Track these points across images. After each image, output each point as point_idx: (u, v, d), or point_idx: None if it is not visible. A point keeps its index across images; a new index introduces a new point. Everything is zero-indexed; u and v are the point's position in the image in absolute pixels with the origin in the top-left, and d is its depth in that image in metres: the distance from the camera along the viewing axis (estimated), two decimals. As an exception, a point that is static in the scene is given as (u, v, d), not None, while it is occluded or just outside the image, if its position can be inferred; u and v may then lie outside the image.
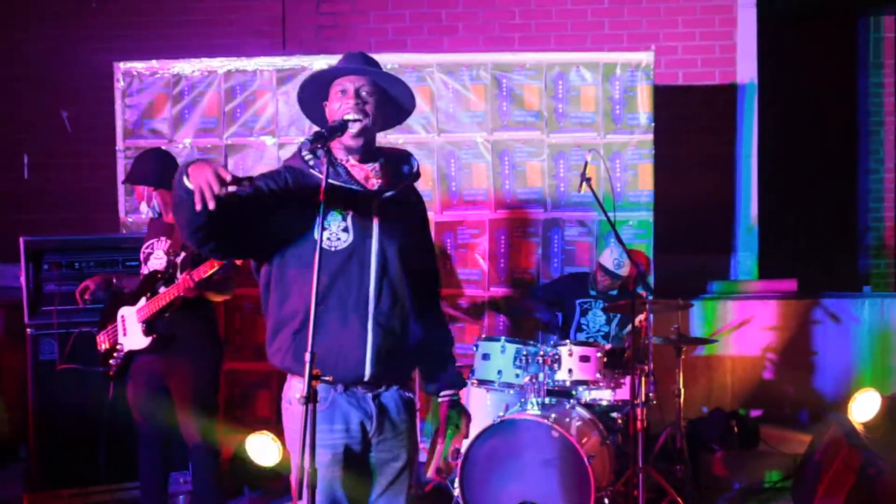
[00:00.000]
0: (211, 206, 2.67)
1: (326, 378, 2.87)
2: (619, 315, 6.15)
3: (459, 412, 3.32)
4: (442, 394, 3.31)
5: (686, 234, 7.85)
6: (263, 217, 3.00)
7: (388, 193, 3.14)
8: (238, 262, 4.43)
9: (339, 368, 3.01)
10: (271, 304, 3.13)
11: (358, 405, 3.09)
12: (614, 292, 6.14)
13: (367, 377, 3.05)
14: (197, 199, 2.67)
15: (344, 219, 3.06)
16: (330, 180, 3.01)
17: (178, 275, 4.66)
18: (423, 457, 3.79)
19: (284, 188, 3.05)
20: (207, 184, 2.66)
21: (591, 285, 6.18)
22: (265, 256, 3.11)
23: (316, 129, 3.06)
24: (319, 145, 2.92)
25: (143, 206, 4.92)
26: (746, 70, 7.96)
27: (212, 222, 2.81)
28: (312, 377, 2.73)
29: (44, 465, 5.46)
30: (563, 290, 6.31)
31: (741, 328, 7.49)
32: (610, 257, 5.98)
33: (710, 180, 8.02)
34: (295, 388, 3.12)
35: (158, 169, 4.88)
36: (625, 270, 5.96)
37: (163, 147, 5.69)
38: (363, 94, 3.10)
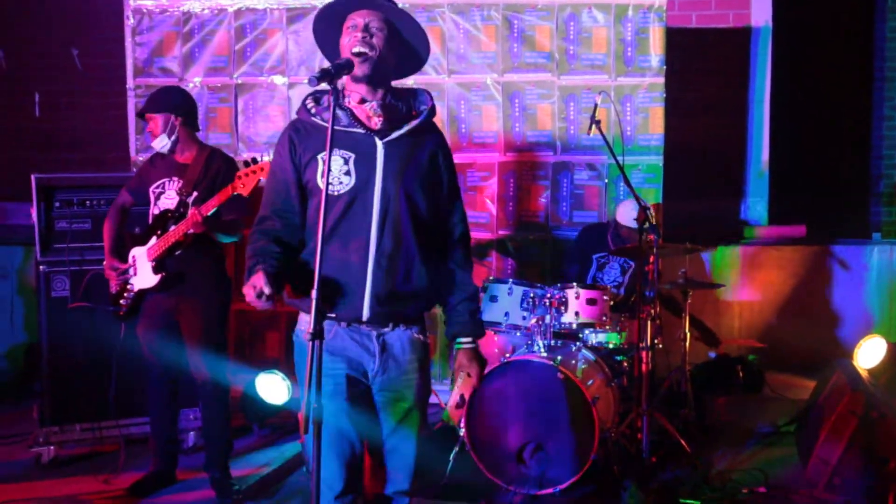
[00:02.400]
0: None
1: (331, 315, 2.92)
2: (633, 266, 6.14)
3: (472, 359, 3.30)
4: (457, 341, 3.31)
5: (696, 179, 7.82)
6: (299, 185, 3.14)
7: (396, 134, 3.13)
8: (245, 194, 4.43)
9: (339, 307, 3.06)
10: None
11: (361, 342, 3.13)
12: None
13: (364, 317, 3.08)
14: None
15: (346, 162, 3.07)
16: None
17: (189, 214, 4.68)
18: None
19: (294, 152, 3.13)
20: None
21: (613, 240, 6.12)
22: None
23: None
24: (327, 82, 2.90)
25: (160, 140, 4.85)
26: (761, 13, 7.87)
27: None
28: (319, 312, 2.74)
29: (56, 401, 5.53)
30: (580, 244, 6.31)
31: (750, 274, 7.49)
32: (629, 216, 5.87)
33: (721, 125, 7.98)
34: (302, 322, 3.21)
35: (182, 101, 4.90)
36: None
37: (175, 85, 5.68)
38: (372, 28, 3.09)
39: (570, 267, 6.28)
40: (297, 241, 3.15)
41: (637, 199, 5.31)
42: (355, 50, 3.04)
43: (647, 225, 5.18)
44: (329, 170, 2.91)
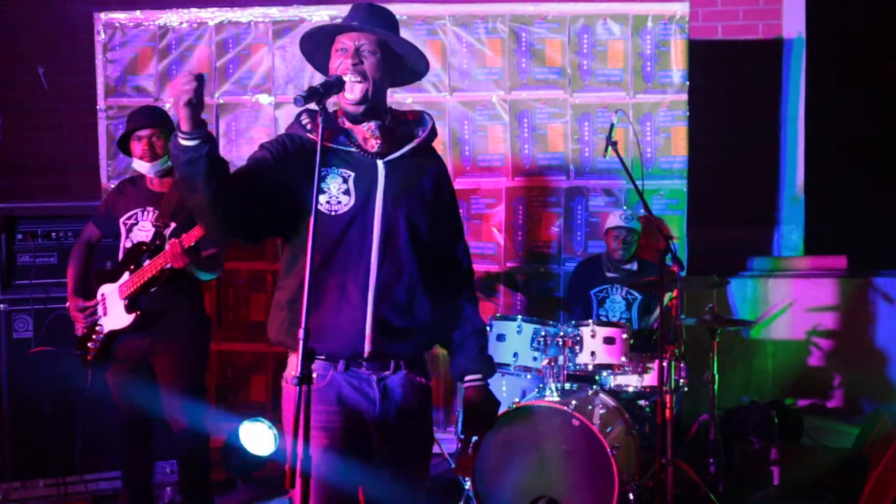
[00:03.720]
0: (194, 89, 2.71)
1: (320, 356, 2.91)
2: (638, 299, 6.16)
3: (484, 399, 3.27)
4: (466, 379, 3.29)
5: (724, 205, 7.84)
6: (275, 185, 3.03)
7: (395, 155, 3.15)
8: None
9: (336, 341, 3.03)
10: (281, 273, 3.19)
11: (360, 387, 3.11)
12: (633, 266, 6.16)
13: (366, 353, 3.06)
14: (182, 102, 2.71)
15: (345, 181, 3.08)
16: (330, 143, 3.06)
17: (166, 245, 4.67)
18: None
19: (285, 153, 3.08)
20: (181, 90, 2.70)
21: (605, 266, 6.20)
22: (288, 231, 3.13)
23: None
24: (314, 102, 2.91)
25: (161, 163, 4.85)
26: (794, 23, 7.92)
27: (228, 190, 2.84)
28: (308, 354, 2.73)
29: (17, 454, 5.51)
30: (576, 283, 6.33)
31: (784, 309, 7.49)
32: (618, 217, 6.14)
33: (751, 146, 8.00)
34: (291, 367, 3.16)
35: (166, 117, 4.94)
36: (635, 224, 6.06)
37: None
38: (364, 52, 3.10)
39: (574, 308, 6.29)
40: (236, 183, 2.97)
41: (659, 227, 5.33)
42: (346, 78, 3.05)
43: (669, 255, 5.18)
44: (318, 189, 2.89)
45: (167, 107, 6.44)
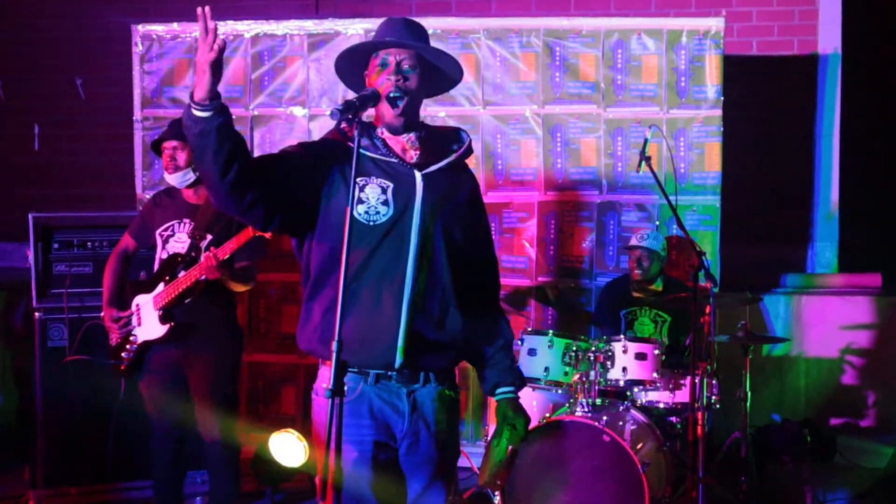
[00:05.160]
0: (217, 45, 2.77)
1: (352, 368, 2.91)
2: (668, 321, 6.13)
3: (518, 409, 3.28)
4: (497, 391, 3.30)
5: (758, 221, 7.80)
6: (303, 176, 3.06)
7: (433, 168, 3.17)
8: (268, 236, 4.46)
9: (368, 352, 3.03)
10: (307, 281, 3.18)
11: (389, 400, 3.12)
12: (657, 285, 6.12)
13: (398, 364, 3.06)
14: (209, 61, 2.77)
15: (384, 191, 3.09)
16: (367, 152, 3.09)
17: (202, 257, 4.72)
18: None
19: (321, 155, 3.11)
20: (207, 51, 2.77)
21: (632, 285, 6.18)
22: (307, 227, 3.14)
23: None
24: (350, 115, 2.93)
25: (185, 174, 4.88)
26: (829, 39, 7.87)
27: (241, 166, 2.88)
28: (340, 367, 2.74)
29: (50, 461, 5.56)
30: (604, 304, 6.32)
31: (818, 327, 7.43)
32: (636, 236, 6.14)
33: (785, 162, 7.96)
34: (322, 377, 3.17)
35: None
36: (653, 244, 6.01)
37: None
38: (405, 67, 3.13)
39: (604, 329, 6.26)
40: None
41: (692, 243, 5.31)
42: (391, 95, 3.08)
43: (702, 272, 5.16)
44: (355, 198, 2.91)
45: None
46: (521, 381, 3.33)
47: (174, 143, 4.91)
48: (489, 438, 3.34)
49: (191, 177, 4.88)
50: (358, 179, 3.04)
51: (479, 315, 3.28)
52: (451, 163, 3.22)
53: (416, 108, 3.19)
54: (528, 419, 3.31)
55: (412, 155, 3.18)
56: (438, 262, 3.13)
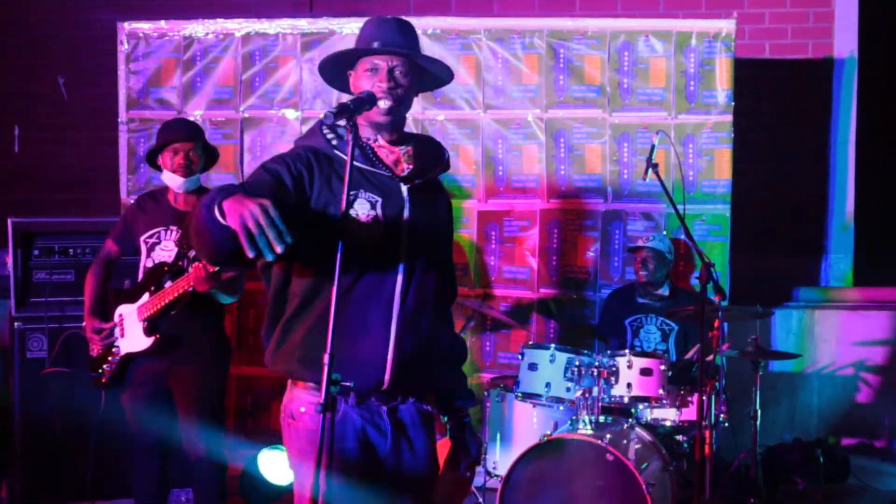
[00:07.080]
0: (278, 250, 2.60)
1: (334, 388, 2.80)
2: (675, 330, 6.14)
3: (473, 434, 3.35)
4: (455, 404, 3.35)
5: (769, 231, 7.80)
6: (298, 210, 2.97)
7: (418, 182, 3.17)
8: None
9: (354, 374, 2.96)
10: (285, 300, 3.14)
11: (371, 420, 3.11)
12: (664, 291, 6.12)
13: (385, 385, 3.07)
14: (245, 243, 2.60)
15: (373, 206, 3.07)
16: (356, 163, 3.05)
17: (190, 268, 4.66)
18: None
19: (308, 173, 3.04)
20: (256, 224, 2.58)
21: (638, 292, 6.19)
22: (301, 255, 3.04)
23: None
24: (345, 119, 2.92)
25: (171, 178, 4.88)
26: (845, 42, 7.89)
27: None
28: (331, 382, 2.73)
29: (27, 478, 5.55)
30: (609, 313, 6.32)
31: (832, 343, 7.43)
32: (640, 238, 6.20)
33: (798, 170, 7.96)
34: (299, 400, 3.10)
35: (203, 133, 5.01)
36: (659, 244, 6.05)
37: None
38: (397, 74, 3.11)
39: (610, 339, 6.26)
40: None
41: (700, 255, 5.31)
42: (383, 105, 3.05)
43: (710, 284, 5.16)
44: (347, 213, 2.91)
45: (190, 119, 6.53)
46: (473, 398, 3.42)
47: (188, 144, 4.90)
48: (448, 455, 3.36)
49: (197, 184, 4.89)
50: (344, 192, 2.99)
51: (445, 329, 3.33)
52: (431, 177, 3.24)
53: (404, 114, 3.19)
54: (480, 443, 3.46)
55: (404, 168, 3.17)
56: (425, 279, 3.14)
